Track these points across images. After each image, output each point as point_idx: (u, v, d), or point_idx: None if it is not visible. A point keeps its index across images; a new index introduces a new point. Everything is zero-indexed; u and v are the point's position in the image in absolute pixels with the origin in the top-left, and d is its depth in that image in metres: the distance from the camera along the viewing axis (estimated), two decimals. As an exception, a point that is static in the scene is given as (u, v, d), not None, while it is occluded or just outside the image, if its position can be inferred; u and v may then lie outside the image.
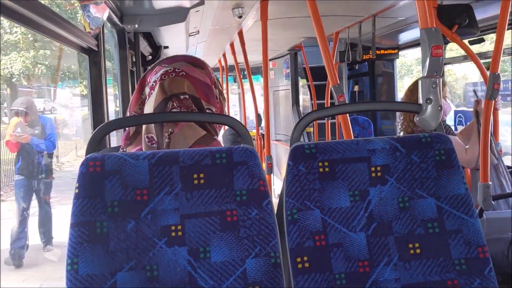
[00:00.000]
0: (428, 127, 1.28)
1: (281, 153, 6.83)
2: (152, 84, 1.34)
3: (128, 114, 1.39)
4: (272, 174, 3.84)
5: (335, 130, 5.68)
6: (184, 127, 1.31)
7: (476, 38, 3.47)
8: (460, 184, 1.23)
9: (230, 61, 6.21)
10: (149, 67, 1.42)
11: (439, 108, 1.27)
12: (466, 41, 3.24)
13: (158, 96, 1.32)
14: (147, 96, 1.35)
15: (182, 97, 1.32)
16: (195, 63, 1.38)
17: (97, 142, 1.18)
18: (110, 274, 1.09)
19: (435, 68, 1.28)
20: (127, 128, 1.37)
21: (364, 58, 4.71)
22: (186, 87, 1.33)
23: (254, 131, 5.61)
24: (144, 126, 1.33)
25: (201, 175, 1.16)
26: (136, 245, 1.11)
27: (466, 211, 1.21)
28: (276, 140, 7.06)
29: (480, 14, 3.23)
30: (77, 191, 1.12)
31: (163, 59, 1.41)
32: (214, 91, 1.39)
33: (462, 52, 4.06)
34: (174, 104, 1.31)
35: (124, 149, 1.36)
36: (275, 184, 5.92)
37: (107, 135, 1.54)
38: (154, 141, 1.31)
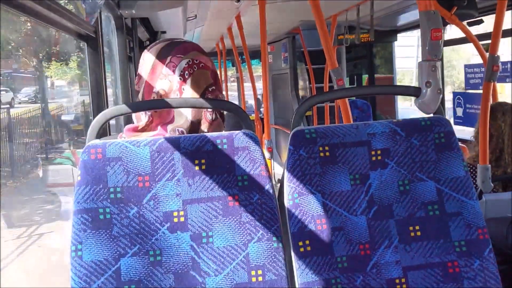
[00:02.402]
0: (428, 111, 1.29)
1: (279, 137, 6.83)
2: (180, 78, 1.32)
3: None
4: (271, 159, 3.85)
5: (334, 113, 5.69)
6: (216, 127, 1.33)
7: (475, 19, 3.45)
8: (460, 166, 1.24)
9: (228, 45, 6.18)
10: (149, 57, 1.36)
11: (438, 91, 1.27)
12: (464, 22, 3.23)
13: (195, 90, 1.32)
14: (177, 91, 1.32)
15: (210, 89, 1.33)
16: (203, 51, 1.39)
17: (98, 129, 1.18)
18: (114, 260, 1.10)
19: (435, 51, 1.28)
20: (137, 121, 1.37)
21: (362, 41, 4.69)
22: (211, 79, 1.35)
23: (253, 115, 5.61)
24: (174, 117, 1.32)
25: (203, 161, 1.16)
26: (139, 231, 1.12)
27: (465, 194, 1.22)
28: (275, 124, 7.06)
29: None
30: (79, 178, 1.13)
31: (169, 47, 1.36)
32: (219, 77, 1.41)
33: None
34: (208, 96, 1.32)
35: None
36: (275, 168, 5.93)
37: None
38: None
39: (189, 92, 1.31)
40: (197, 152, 1.17)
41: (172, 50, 1.35)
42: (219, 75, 1.42)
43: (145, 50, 1.40)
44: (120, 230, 1.11)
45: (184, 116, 1.32)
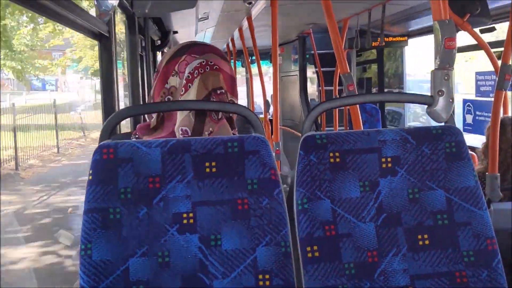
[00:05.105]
0: (439, 119, 1.28)
1: (287, 139, 6.82)
2: (188, 76, 1.33)
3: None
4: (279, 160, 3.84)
5: (342, 117, 5.67)
6: (222, 126, 1.33)
7: (487, 27, 3.43)
8: (470, 176, 1.23)
9: (238, 45, 6.18)
10: (168, 53, 1.41)
11: (450, 100, 1.27)
12: (477, 30, 3.21)
13: (200, 91, 1.32)
14: (182, 88, 1.33)
15: (219, 91, 1.34)
16: (223, 55, 1.39)
17: (110, 130, 1.19)
18: (123, 260, 1.10)
19: (448, 60, 1.28)
20: (148, 119, 1.38)
21: (373, 45, 4.67)
22: (222, 82, 1.35)
23: (261, 116, 5.60)
24: (177, 117, 1.33)
25: (213, 164, 1.17)
26: (148, 232, 1.13)
27: (475, 204, 1.22)
28: (283, 126, 7.04)
29: (492, 3, 3.19)
30: (90, 177, 1.14)
31: (187, 47, 1.38)
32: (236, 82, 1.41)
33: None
34: (213, 98, 1.33)
35: (137, 137, 1.37)
36: (282, 170, 5.90)
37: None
38: (187, 135, 1.32)
39: (193, 92, 1.32)
40: (207, 155, 1.17)
41: (189, 50, 1.37)
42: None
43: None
44: (129, 231, 1.12)
45: (187, 114, 1.33)
